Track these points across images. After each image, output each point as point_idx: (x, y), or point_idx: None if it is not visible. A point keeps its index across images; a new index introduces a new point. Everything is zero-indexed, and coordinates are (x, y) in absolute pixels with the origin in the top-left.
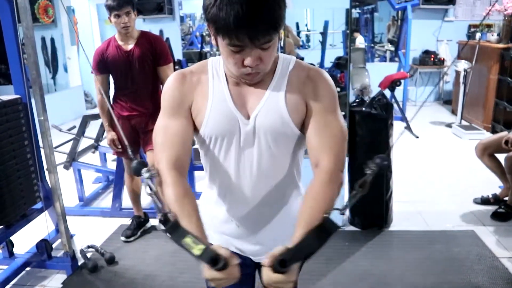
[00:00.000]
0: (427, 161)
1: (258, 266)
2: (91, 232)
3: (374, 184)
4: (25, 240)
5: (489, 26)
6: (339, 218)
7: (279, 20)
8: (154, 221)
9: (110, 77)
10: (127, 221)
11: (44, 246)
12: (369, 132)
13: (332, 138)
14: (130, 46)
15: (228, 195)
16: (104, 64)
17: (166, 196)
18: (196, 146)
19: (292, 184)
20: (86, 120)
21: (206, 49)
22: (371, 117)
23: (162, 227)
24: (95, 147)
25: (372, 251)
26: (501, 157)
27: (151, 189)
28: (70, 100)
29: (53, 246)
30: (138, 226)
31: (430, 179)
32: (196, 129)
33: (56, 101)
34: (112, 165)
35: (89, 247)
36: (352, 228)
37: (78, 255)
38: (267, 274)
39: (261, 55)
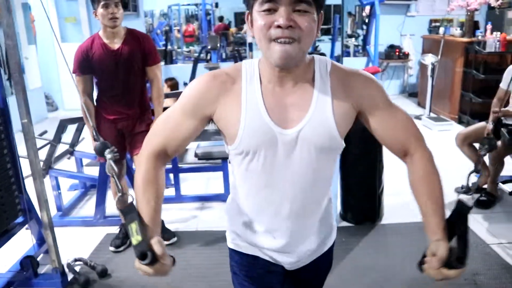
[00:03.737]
0: None
1: (289, 272)
2: (75, 244)
3: (367, 180)
4: (4, 257)
5: (449, 21)
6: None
7: None
8: None
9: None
10: (113, 230)
11: (29, 262)
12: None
13: (406, 125)
14: (117, 45)
15: (265, 208)
16: (89, 64)
17: (134, 179)
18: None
19: (328, 193)
20: (63, 125)
21: (170, 47)
22: None
23: (119, 206)
24: (70, 152)
25: (370, 245)
26: None
27: (113, 169)
28: (30, 103)
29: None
30: (128, 235)
31: None
32: (226, 140)
33: (14, 104)
34: (87, 171)
35: (76, 260)
36: (345, 223)
37: (65, 269)
38: (443, 273)
39: (295, 18)
